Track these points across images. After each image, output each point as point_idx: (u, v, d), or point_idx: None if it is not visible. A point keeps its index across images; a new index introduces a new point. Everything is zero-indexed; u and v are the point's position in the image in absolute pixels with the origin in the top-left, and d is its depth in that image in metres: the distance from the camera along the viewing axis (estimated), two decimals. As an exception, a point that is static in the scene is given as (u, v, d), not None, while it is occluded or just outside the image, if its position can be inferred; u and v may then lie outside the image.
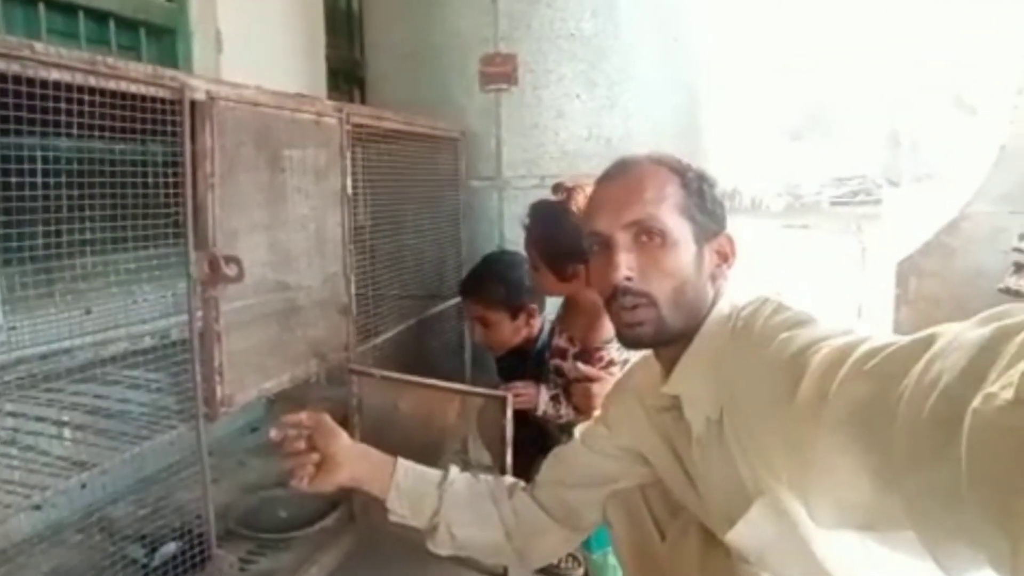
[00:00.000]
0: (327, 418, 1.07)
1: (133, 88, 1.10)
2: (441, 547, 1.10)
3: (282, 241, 1.42)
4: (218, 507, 1.61)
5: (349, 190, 1.63)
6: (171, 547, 1.37)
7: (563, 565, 1.75)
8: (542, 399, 1.59)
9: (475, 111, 2.43)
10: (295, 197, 1.47)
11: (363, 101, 2.96)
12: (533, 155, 2.39)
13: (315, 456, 1.04)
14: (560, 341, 1.68)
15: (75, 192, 1.17)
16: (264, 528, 1.57)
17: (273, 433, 1.04)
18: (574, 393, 1.52)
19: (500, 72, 2.37)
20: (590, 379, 1.46)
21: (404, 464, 1.10)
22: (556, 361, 1.66)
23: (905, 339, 0.59)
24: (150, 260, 1.30)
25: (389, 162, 1.89)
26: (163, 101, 1.16)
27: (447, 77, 2.48)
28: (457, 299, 2.31)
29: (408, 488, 1.08)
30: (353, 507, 1.60)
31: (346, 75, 3.12)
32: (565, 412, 1.58)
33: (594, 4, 2.37)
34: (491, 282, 1.82)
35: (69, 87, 1.02)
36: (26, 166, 1.13)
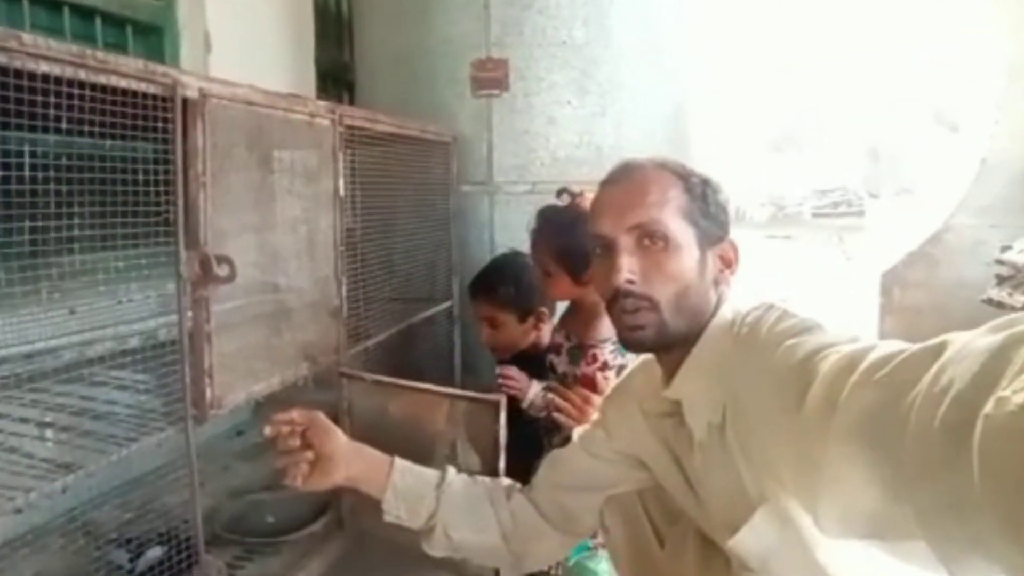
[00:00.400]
0: (321, 415, 1.05)
1: (123, 83, 1.08)
2: (437, 549, 1.08)
3: (273, 242, 1.40)
4: (204, 511, 1.57)
5: (341, 192, 1.61)
6: (156, 552, 1.34)
7: (552, 571, 1.73)
8: (532, 390, 1.58)
9: (466, 116, 2.43)
10: (286, 198, 1.45)
11: (352, 104, 2.95)
12: (524, 161, 2.40)
13: (309, 454, 1.02)
14: (557, 337, 1.68)
15: (63, 188, 1.14)
16: (251, 533, 1.54)
17: (267, 430, 1.02)
18: (569, 394, 1.51)
19: (492, 77, 2.37)
20: (589, 384, 1.44)
21: (401, 464, 1.08)
22: (551, 356, 1.66)
23: (915, 347, 0.59)
24: (138, 259, 1.27)
25: (380, 165, 1.88)
26: (154, 98, 1.14)
27: (438, 82, 2.48)
28: (447, 303, 2.30)
29: (405, 489, 1.06)
30: (342, 511, 1.58)
31: (335, 78, 3.11)
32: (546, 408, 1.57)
33: (586, 13, 2.39)
34: (502, 282, 1.81)
35: (58, 80, 1.00)
36: (13, 160, 1.10)
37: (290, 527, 1.56)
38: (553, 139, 2.39)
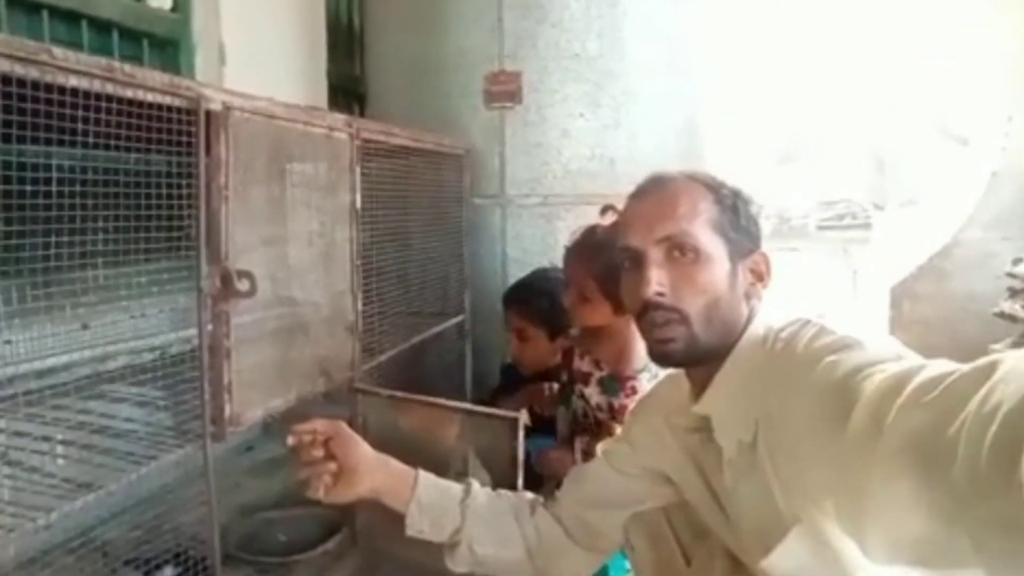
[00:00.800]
0: (344, 426, 1.03)
1: (149, 97, 1.08)
2: (460, 564, 1.06)
3: (291, 256, 1.39)
4: (211, 528, 1.56)
5: (358, 205, 1.60)
6: (169, 572, 1.32)
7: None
8: (577, 458, 1.51)
9: (478, 129, 2.43)
10: (305, 212, 1.44)
11: (363, 117, 2.94)
12: (537, 174, 2.39)
13: (332, 465, 0.99)
14: (583, 365, 1.61)
15: (88, 202, 1.13)
16: (263, 551, 1.52)
17: (289, 440, 1.00)
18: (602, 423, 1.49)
19: (505, 90, 2.36)
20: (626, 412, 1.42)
21: (425, 477, 1.06)
22: (579, 387, 1.60)
23: (966, 367, 0.58)
24: (157, 273, 1.26)
25: (393, 178, 1.87)
26: (178, 111, 1.14)
27: (451, 94, 2.48)
28: (459, 317, 2.28)
29: (429, 503, 1.04)
30: (356, 529, 1.55)
31: (346, 91, 3.11)
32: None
33: (600, 26, 2.38)
34: (538, 297, 1.78)
35: (86, 94, 0.99)
36: (39, 175, 1.09)
37: (303, 545, 1.53)
38: (566, 152, 2.38)
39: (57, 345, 1.38)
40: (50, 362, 1.24)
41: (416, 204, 2.04)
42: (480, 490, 1.09)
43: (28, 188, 1.10)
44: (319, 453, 1.00)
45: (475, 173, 2.39)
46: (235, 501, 1.76)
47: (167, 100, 1.11)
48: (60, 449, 1.12)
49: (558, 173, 2.38)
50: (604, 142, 2.41)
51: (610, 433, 1.48)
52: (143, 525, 1.47)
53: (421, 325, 2.02)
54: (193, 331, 1.19)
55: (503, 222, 2.40)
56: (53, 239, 1.07)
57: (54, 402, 1.19)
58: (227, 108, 1.20)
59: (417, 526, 1.04)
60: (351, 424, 1.60)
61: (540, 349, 1.79)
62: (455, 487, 1.08)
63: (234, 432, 1.19)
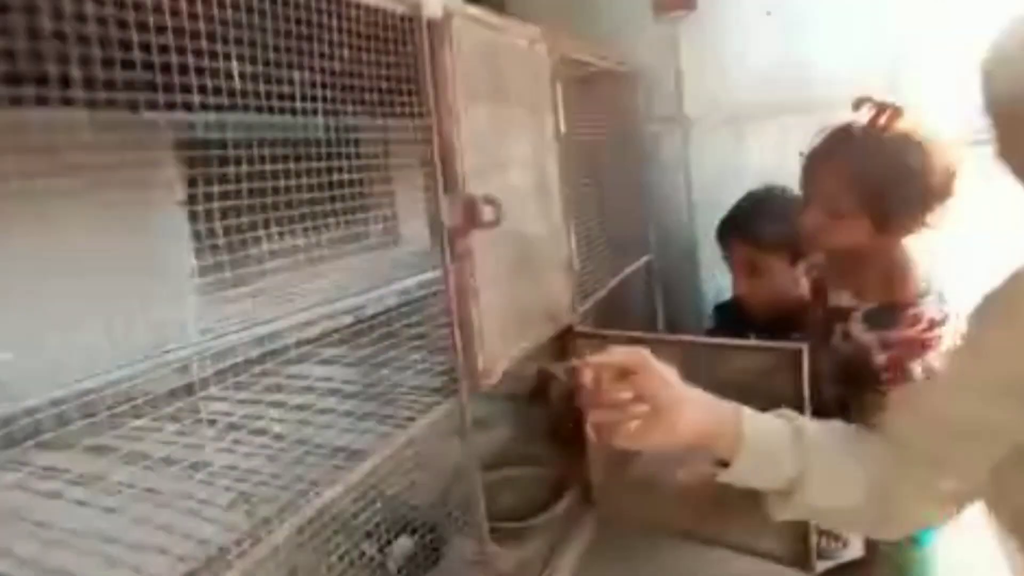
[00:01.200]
0: (650, 358, 0.83)
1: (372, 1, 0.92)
2: (785, 513, 0.86)
3: (514, 183, 1.21)
4: (437, 493, 1.45)
5: (561, 127, 1.41)
6: (405, 543, 1.22)
7: (823, 544, 1.48)
8: None
9: (645, 44, 2.16)
10: (518, 133, 1.26)
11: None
12: (718, 88, 2.11)
13: (643, 407, 0.80)
14: (842, 299, 1.33)
15: (288, 167, 0.98)
16: (490, 516, 1.39)
17: (586, 376, 0.81)
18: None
19: (677, -2, 2.09)
20: (915, 348, 1.17)
21: (750, 416, 0.85)
22: (838, 325, 1.31)
23: None
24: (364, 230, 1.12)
25: (577, 101, 1.66)
26: (400, 18, 0.97)
27: (609, 6, 2.22)
28: (646, 258, 2.07)
29: (759, 448, 0.83)
30: (593, 489, 1.40)
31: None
32: None
33: (776, -92, 2.05)
34: (766, 219, 1.53)
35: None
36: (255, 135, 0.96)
37: (533, 507, 1.39)
38: (751, 59, 2.08)
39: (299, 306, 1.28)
40: (300, 317, 1.13)
41: (597, 131, 1.82)
42: (809, 425, 0.87)
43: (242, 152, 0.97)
44: (626, 394, 0.80)
45: (648, 94, 2.14)
46: (447, 463, 1.65)
47: (387, 5, 0.95)
48: (328, 417, 1.01)
49: (743, 84, 2.09)
50: (791, 45, 2.08)
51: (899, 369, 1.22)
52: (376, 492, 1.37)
53: (617, 265, 1.82)
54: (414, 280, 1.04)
55: (685, 147, 2.15)
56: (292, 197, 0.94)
57: (298, 371, 1.08)
58: (448, 15, 1.03)
59: (743, 477, 0.84)
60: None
61: (779, 279, 1.53)
62: (779, 424, 0.87)
63: (488, 384, 1.04)
